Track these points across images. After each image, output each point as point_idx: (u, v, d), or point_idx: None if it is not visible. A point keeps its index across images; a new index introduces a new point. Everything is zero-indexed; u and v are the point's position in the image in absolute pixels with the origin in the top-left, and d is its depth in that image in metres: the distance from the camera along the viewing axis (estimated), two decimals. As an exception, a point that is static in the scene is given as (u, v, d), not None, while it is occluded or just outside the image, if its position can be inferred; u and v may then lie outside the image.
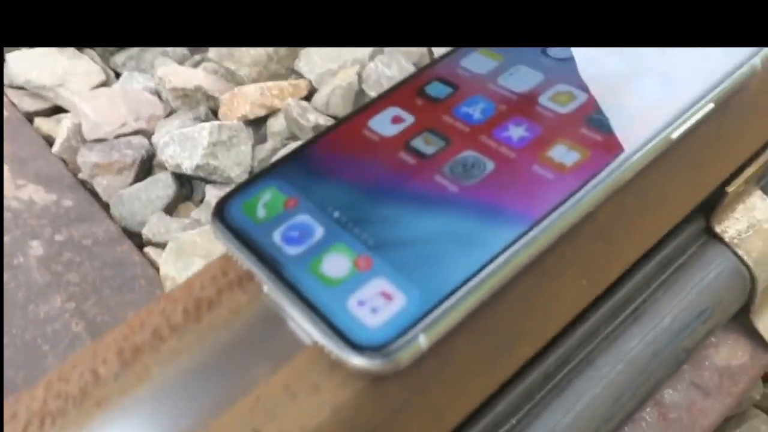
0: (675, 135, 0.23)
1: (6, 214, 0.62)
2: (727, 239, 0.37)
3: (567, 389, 0.32)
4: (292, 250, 0.22)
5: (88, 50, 0.83)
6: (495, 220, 0.22)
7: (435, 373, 0.22)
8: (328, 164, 0.24)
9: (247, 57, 0.75)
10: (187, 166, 0.67)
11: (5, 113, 0.77)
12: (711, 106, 0.24)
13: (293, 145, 0.71)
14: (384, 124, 0.26)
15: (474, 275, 0.20)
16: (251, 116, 0.73)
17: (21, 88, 0.80)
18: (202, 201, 0.69)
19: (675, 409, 0.38)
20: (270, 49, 0.76)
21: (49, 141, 0.76)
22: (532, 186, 0.22)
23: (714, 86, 0.24)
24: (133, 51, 0.83)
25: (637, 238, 0.27)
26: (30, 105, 0.79)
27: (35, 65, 0.79)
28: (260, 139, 0.75)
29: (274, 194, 0.24)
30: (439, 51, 0.79)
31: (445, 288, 0.20)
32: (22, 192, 0.66)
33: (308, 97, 0.75)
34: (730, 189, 0.35)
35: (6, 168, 0.68)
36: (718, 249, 0.37)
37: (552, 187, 0.22)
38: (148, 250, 0.65)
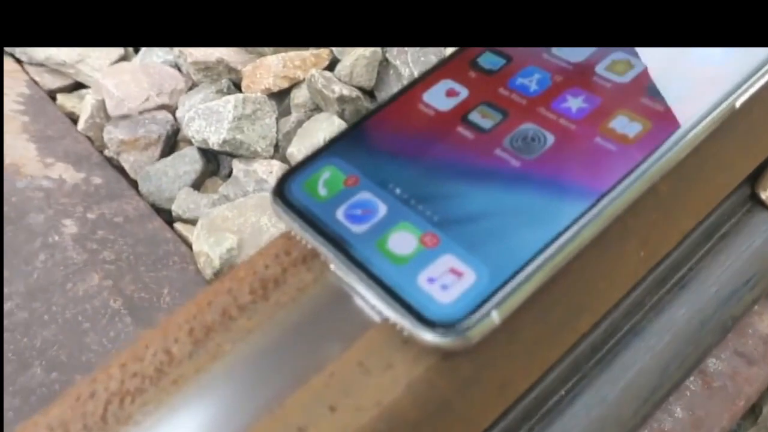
0: (738, 103, 0.23)
1: (38, 194, 0.62)
2: (772, 205, 0.37)
3: (614, 361, 0.32)
4: (357, 228, 0.22)
5: (107, 25, 0.83)
6: (560, 194, 0.21)
7: (503, 348, 0.22)
8: (385, 140, 0.24)
9: (269, 28, 0.74)
10: (214, 141, 0.67)
11: (28, 91, 0.77)
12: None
13: (319, 117, 0.71)
14: (439, 98, 0.25)
15: (542, 251, 0.20)
16: (275, 89, 0.73)
17: (41, 65, 0.80)
18: (229, 176, 0.69)
19: (719, 377, 0.38)
20: (291, 20, 0.75)
21: (73, 118, 0.76)
22: (596, 158, 0.22)
23: (774, 53, 0.24)
24: (152, 25, 0.82)
25: (692, 207, 0.27)
26: (51, 82, 0.79)
27: (55, 42, 0.79)
28: (284, 111, 0.74)
29: (333, 172, 0.24)
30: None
31: (514, 264, 0.20)
32: (51, 171, 0.66)
33: (330, 67, 0.75)
34: (775, 157, 0.35)
35: (33, 147, 0.69)
36: (763, 215, 0.37)
37: (616, 160, 0.22)
38: (178, 226, 0.65)
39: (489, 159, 0.23)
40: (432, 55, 0.70)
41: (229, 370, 0.20)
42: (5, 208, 0.60)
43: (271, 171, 0.67)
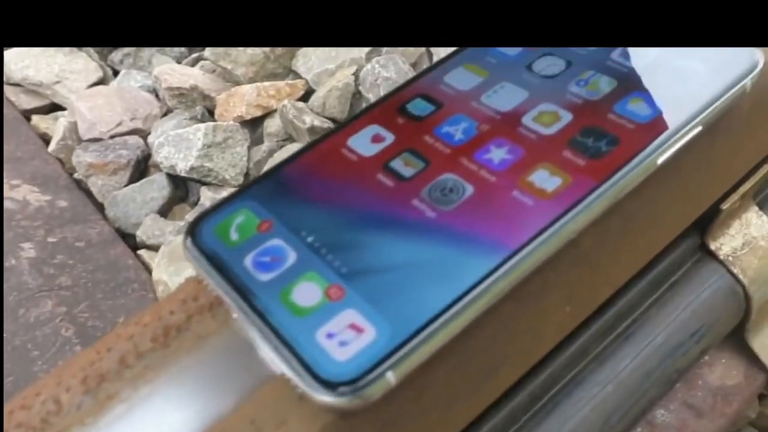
0: (660, 160, 0.22)
1: (-2, 216, 0.61)
2: (721, 256, 0.37)
3: (554, 411, 0.32)
4: (263, 276, 0.21)
5: (86, 48, 0.83)
6: (471, 248, 0.21)
7: (409, 406, 0.21)
8: (304, 185, 0.24)
9: (244, 56, 0.74)
10: (182, 168, 0.66)
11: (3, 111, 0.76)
12: (699, 129, 0.23)
13: (290, 147, 0.71)
14: (364, 143, 0.25)
15: (447, 308, 0.20)
16: (247, 117, 0.72)
17: (18, 85, 0.79)
18: (197, 203, 0.69)
19: (667, 429, 0.37)
20: (267, 49, 0.75)
21: (46, 140, 0.76)
22: (511, 213, 0.22)
23: (702, 109, 0.23)
24: (131, 48, 0.82)
25: (624, 262, 0.26)
26: (27, 102, 0.79)
27: (33, 62, 0.78)
28: (257, 140, 0.74)
29: (247, 216, 0.23)
30: (438, 52, 0.78)
31: (416, 322, 0.19)
32: (16, 192, 0.65)
33: (305, 98, 0.75)
34: (725, 206, 0.34)
35: (0, 168, 0.68)
36: (712, 266, 0.36)
37: (531, 214, 0.21)
38: (142, 252, 0.64)
39: (405, 209, 0.22)
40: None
41: (113, 423, 0.19)
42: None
43: (239, 200, 0.66)
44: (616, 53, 0.26)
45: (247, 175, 0.70)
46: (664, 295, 0.36)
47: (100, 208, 0.69)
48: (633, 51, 0.26)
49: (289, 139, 0.73)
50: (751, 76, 0.24)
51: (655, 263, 0.35)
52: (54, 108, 0.80)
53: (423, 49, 0.79)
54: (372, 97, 0.70)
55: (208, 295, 0.22)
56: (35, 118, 0.78)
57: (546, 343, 0.26)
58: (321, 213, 0.23)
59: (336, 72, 0.74)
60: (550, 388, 0.32)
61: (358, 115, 0.26)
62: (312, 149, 0.25)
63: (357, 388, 0.18)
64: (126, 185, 0.70)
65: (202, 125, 0.67)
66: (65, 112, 0.77)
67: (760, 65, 0.24)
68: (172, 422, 0.19)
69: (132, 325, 0.22)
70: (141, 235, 0.66)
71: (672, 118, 0.23)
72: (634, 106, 0.24)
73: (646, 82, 0.25)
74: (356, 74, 0.73)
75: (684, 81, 0.24)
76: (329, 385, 0.18)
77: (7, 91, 0.79)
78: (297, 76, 0.77)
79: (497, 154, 0.23)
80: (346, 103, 0.71)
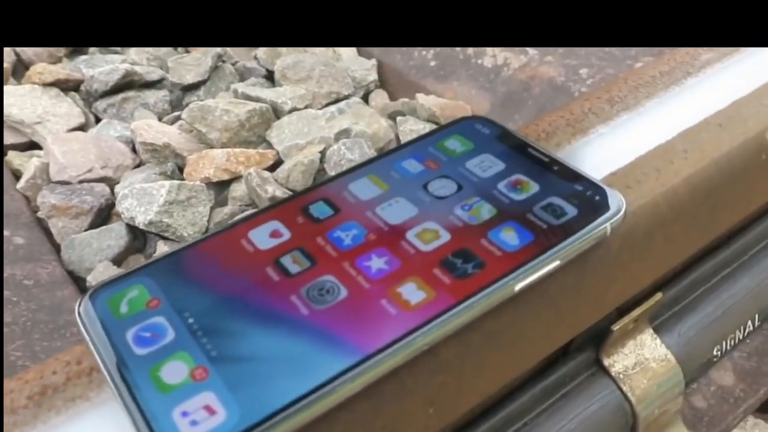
0: (517, 287, 0.25)
1: (-49, 246, 0.63)
2: (613, 373, 0.39)
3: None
4: (140, 351, 0.23)
5: (72, 93, 0.86)
6: (331, 348, 0.23)
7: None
8: (199, 270, 0.26)
9: (220, 122, 0.78)
10: (140, 221, 0.69)
11: (-22, 144, 0.79)
12: (557, 263, 0.26)
13: (250, 212, 0.73)
14: (262, 237, 0.27)
15: (295, 402, 0.22)
16: (214, 179, 0.75)
17: None
18: (152, 255, 0.71)
19: None
20: (243, 117, 0.79)
21: (17, 176, 0.78)
22: (375, 319, 0.24)
23: (563, 246, 0.26)
24: (116, 99, 0.86)
25: (491, 374, 0.28)
26: (6, 138, 0.81)
27: (18, 101, 0.81)
28: (221, 201, 0.76)
29: (140, 292, 0.25)
30: (406, 137, 0.82)
31: (264, 411, 0.21)
32: (-25, 225, 0.67)
33: (273, 167, 0.78)
34: (616, 327, 0.37)
35: (-35, 199, 0.70)
36: (604, 382, 0.38)
37: (392, 323, 0.24)
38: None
39: (282, 303, 0.25)
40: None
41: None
42: None
43: (192, 258, 0.68)
44: (503, 184, 0.29)
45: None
46: (555, 404, 0.38)
47: (56, 248, 0.71)
48: (517, 184, 0.29)
49: (252, 204, 0.75)
50: (611, 221, 0.27)
51: (549, 372, 0.37)
52: (31, 146, 0.82)
53: (393, 135, 0.82)
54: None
55: (90, 360, 0.24)
56: (11, 154, 0.80)
57: (408, 442, 0.27)
58: (207, 297, 0.25)
59: (305, 147, 0.77)
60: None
61: (266, 209, 0.29)
62: (215, 236, 0.28)
63: (197, 467, 0.20)
64: (86, 230, 0.72)
65: (167, 182, 0.70)
66: (41, 152, 0.80)
67: (622, 212, 0.27)
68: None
69: (14, 381, 0.24)
70: (91, 280, 0.67)
71: (535, 250, 0.26)
72: (505, 235, 0.27)
73: (521, 215, 0.27)
74: (323, 152, 0.76)
75: (553, 218, 0.27)
76: (172, 462, 0.20)
77: (-11, 125, 0.82)
78: (269, 146, 0.80)
79: (376, 263, 0.26)
80: (309, 178, 0.74)
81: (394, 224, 0.27)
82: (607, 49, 0.85)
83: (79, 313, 0.25)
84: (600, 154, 0.32)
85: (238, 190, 0.75)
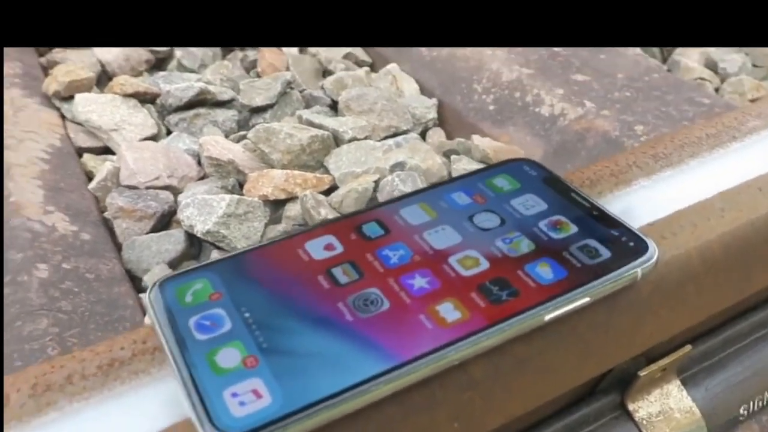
0: (547, 317, 0.27)
1: (26, 234, 0.67)
2: (637, 418, 0.40)
3: None
4: (200, 336, 0.26)
5: (149, 105, 0.91)
6: (370, 352, 0.25)
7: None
8: (258, 271, 0.29)
9: (283, 144, 0.82)
10: (199, 229, 0.72)
11: (59, 144, 0.84)
12: (587, 299, 0.27)
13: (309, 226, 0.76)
14: (317, 249, 0.30)
15: (333, 396, 0.24)
16: (272, 197, 0.79)
17: (80, 124, 0.88)
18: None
19: None
20: (305, 142, 0.82)
21: (90, 177, 0.83)
22: (412, 331, 0.26)
23: (594, 285, 0.28)
24: (188, 114, 0.90)
25: (517, 397, 0.30)
26: (83, 141, 0.87)
27: (98, 108, 0.87)
28: (275, 219, 0.80)
29: (204, 285, 0.28)
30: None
31: (305, 400, 0.24)
32: (47, 218, 0.72)
33: (329, 192, 0.81)
34: (642, 374, 0.38)
35: (41, 193, 0.75)
36: (627, 426, 0.40)
37: (428, 337, 0.26)
38: (143, 296, 0.69)
39: (330, 309, 0.27)
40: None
41: (44, 425, 0.24)
42: (-7, 241, 0.65)
43: (242, 270, 0.71)
44: (544, 223, 0.31)
45: (256, 249, 0.75)
46: (576, 443, 0.39)
47: (118, 248, 0.75)
48: (557, 224, 0.31)
49: (305, 225, 0.78)
50: (642, 267, 0.28)
51: (574, 410, 0.38)
52: (105, 151, 0.88)
53: (446, 173, 0.85)
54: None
55: (154, 341, 0.27)
56: (86, 157, 0.85)
57: (433, 452, 0.29)
58: (263, 296, 0.28)
59: (360, 175, 0.80)
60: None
61: (323, 224, 0.31)
62: (276, 243, 0.30)
63: (241, 442, 0.23)
64: (147, 233, 0.76)
65: (227, 196, 0.74)
66: (113, 157, 0.85)
67: (654, 259, 0.29)
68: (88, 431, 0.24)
69: (87, 351, 0.27)
70: (147, 280, 0.71)
71: (567, 285, 0.28)
72: (541, 269, 0.29)
73: (557, 252, 0.29)
74: (377, 182, 0.79)
75: (588, 258, 0.29)
76: (219, 433, 0.23)
77: (70, 127, 0.88)
78: (326, 171, 0.84)
79: (419, 281, 0.28)
80: (361, 206, 0.77)
81: (438, 249, 0.30)
82: (664, 108, 0.86)
83: (149, 298, 0.28)
84: (639, 204, 0.34)
85: (292, 209, 0.79)
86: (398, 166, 0.81)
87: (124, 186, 0.80)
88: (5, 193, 0.73)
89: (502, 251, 0.30)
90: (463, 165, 0.85)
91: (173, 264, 0.74)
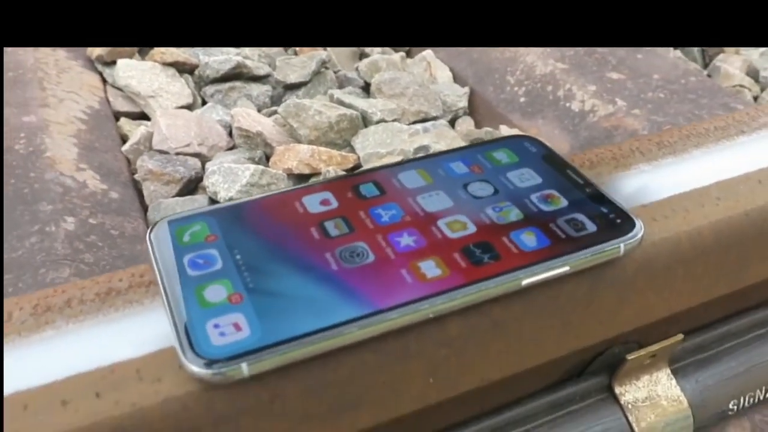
0: (525, 282, 0.28)
1: (57, 188, 0.70)
2: (622, 402, 0.40)
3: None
4: (192, 273, 0.27)
5: (186, 75, 0.94)
6: (349, 298, 0.26)
7: (264, 405, 0.26)
8: (254, 219, 0.30)
9: (311, 121, 0.83)
10: (222, 196, 0.74)
11: (98, 106, 0.87)
12: (566, 268, 0.28)
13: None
14: (313, 203, 0.31)
15: (308, 334, 0.25)
16: (296, 171, 0.80)
17: (120, 89, 0.91)
18: (226, 230, 0.76)
19: None
20: (333, 119, 0.84)
21: (124, 140, 0.86)
22: (391, 283, 0.27)
23: (574, 255, 0.28)
24: (224, 86, 0.93)
25: (493, 360, 0.31)
26: (121, 106, 0.90)
27: (138, 74, 0.90)
28: (298, 193, 0.81)
29: (202, 228, 0.29)
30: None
31: (281, 336, 0.25)
32: (79, 174, 0.74)
33: (353, 170, 0.82)
34: (631, 357, 0.38)
35: (76, 151, 0.78)
36: (612, 408, 0.40)
37: (406, 289, 0.27)
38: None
39: (317, 257, 0.28)
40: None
41: (40, 341, 0.26)
42: (26, 190, 0.68)
43: (262, 239, 0.73)
44: (536, 195, 0.32)
45: (277, 220, 0.77)
46: (560, 418, 0.40)
47: (144, 209, 0.78)
48: (548, 197, 0.32)
49: (326, 201, 0.80)
50: (625, 242, 0.29)
51: (561, 388, 0.39)
52: (142, 117, 0.90)
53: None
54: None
55: (151, 276, 0.29)
56: (123, 121, 0.88)
57: (406, 403, 0.30)
58: (255, 241, 0.29)
59: (384, 156, 0.81)
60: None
61: (321, 182, 0.33)
62: (275, 196, 0.32)
63: (218, 367, 0.24)
64: (173, 196, 0.79)
65: (252, 166, 0.75)
66: (148, 123, 0.87)
67: (638, 237, 0.29)
68: (78, 353, 0.25)
69: (88, 280, 0.29)
70: (168, 242, 0.73)
71: (548, 253, 0.29)
72: (525, 237, 0.29)
73: (544, 223, 0.30)
74: (400, 163, 0.80)
75: (573, 230, 0.30)
76: (200, 360, 0.24)
77: (110, 92, 0.90)
78: (352, 150, 0.85)
79: (405, 239, 0.29)
80: (383, 186, 0.78)
81: (429, 211, 0.31)
82: (696, 111, 0.85)
83: (150, 236, 0.29)
84: (635, 187, 0.35)
85: (315, 185, 0.80)
86: (421, 149, 0.82)
87: (156, 150, 0.82)
88: (42, 148, 0.76)
89: (491, 218, 0.30)
90: (488, 154, 0.85)
91: (196, 228, 0.76)
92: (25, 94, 0.85)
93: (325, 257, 0.28)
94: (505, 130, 0.87)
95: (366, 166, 0.81)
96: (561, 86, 0.93)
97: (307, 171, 0.80)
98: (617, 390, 0.40)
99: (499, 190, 0.32)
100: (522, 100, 0.94)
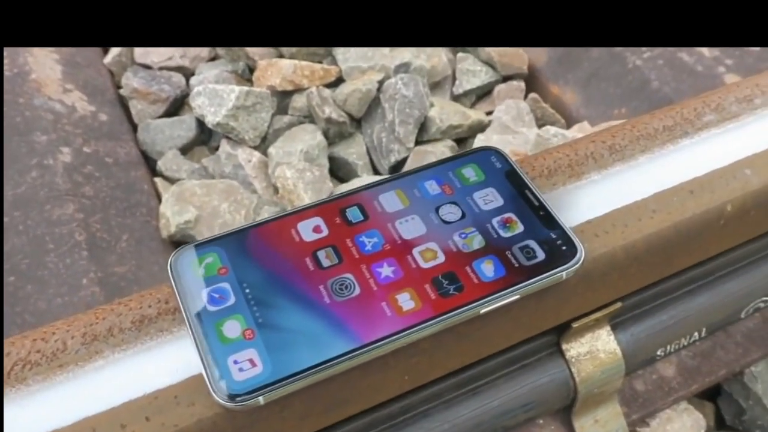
0: (482, 311, 0.34)
1: (48, 116, 0.73)
2: (567, 357, 0.48)
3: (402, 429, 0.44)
4: (211, 307, 0.33)
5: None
6: (341, 333, 0.33)
7: (276, 413, 0.33)
8: (256, 248, 0.35)
9: (291, 35, 0.84)
10: (210, 120, 0.78)
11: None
12: (517, 297, 0.34)
13: (305, 127, 0.82)
14: (307, 230, 0.36)
15: (310, 368, 0.31)
16: (279, 88, 0.83)
17: (96, -6, 0.89)
18: (216, 149, 0.80)
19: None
20: (313, 34, 0.85)
21: (105, 51, 0.87)
22: (374, 317, 0.33)
23: (525, 284, 0.34)
24: (201, -12, 0.92)
25: (457, 358, 0.38)
26: (100, 12, 0.89)
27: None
28: (282, 109, 0.85)
29: (214, 259, 0.35)
30: (463, 76, 0.88)
31: (289, 370, 0.31)
32: (67, 97, 0.77)
33: (336, 83, 0.85)
34: (575, 325, 0.46)
35: (60, 69, 0.79)
36: (558, 362, 0.48)
37: (386, 323, 0.33)
38: (158, 180, 0.76)
39: (312, 290, 0.34)
40: (416, 110, 0.80)
41: (94, 370, 0.32)
42: (18, 119, 0.71)
43: (249, 160, 0.78)
44: (497, 219, 0.37)
45: (264, 138, 0.81)
46: (514, 372, 0.48)
47: (134, 128, 0.81)
48: (507, 222, 0.37)
49: (309, 117, 0.83)
50: (568, 270, 0.35)
51: (516, 347, 0.47)
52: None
53: (450, 72, 0.88)
54: (387, 108, 0.81)
55: (173, 301, 0.34)
56: (103, 28, 0.88)
57: (386, 395, 0.38)
58: (259, 273, 0.35)
59: (366, 71, 0.84)
60: (402, 414, 0.44)
61: (313, 205, 0.37)
62: (274, 221, 0.37)
63: (240, 400, 0.31)
64: (161, 116, 0.82)
65: (236, 88, 0.78)
66: (129, 32, 0.88)
67: (579, 263, 0.35)
68: (127, 379, 0.32)
69: (122, 305, 0.34)
70: (161, 165, 0.77)
71: (502, 284, 0.35)
72: (485, 267, 0.35)
73: (502, 251, 0.36)
74: (381, 82, 0.83)
75: (525, 258, 0.36)
76: (224, 393, 0.31)
77: None
78: (334, 62, 0.87)
79: (386, 270, 0.35)
80: (364, 106, 0.82)
81: (406, 239, 0.36)
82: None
83: (170, 265, 0.35)
84: (587, 199, 0.40)
85: (299, 101, 0.83)
86: (402, 67, 0.84)
87: (138, 64, 0.84)
88: (26, 69, 0.77)
89: (458, 246, 0.36)
90: (468, 65, 0.88)
91: (185, 149, 0.80)
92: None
93: (319, 290, 0.34)
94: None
95: (347, 83, 0.83)
96: None
97: (290, 88, 0.83)
98: (564, 347, 0.48)
99: (466, 213, 0.38)
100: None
